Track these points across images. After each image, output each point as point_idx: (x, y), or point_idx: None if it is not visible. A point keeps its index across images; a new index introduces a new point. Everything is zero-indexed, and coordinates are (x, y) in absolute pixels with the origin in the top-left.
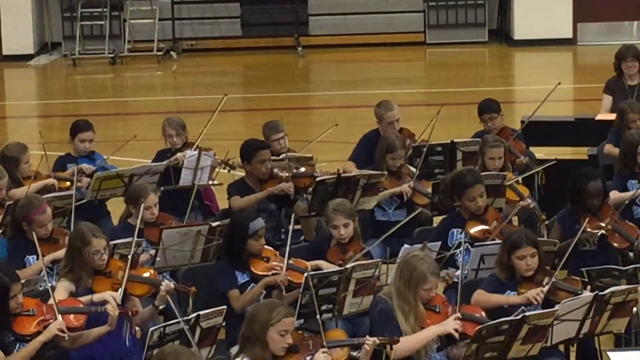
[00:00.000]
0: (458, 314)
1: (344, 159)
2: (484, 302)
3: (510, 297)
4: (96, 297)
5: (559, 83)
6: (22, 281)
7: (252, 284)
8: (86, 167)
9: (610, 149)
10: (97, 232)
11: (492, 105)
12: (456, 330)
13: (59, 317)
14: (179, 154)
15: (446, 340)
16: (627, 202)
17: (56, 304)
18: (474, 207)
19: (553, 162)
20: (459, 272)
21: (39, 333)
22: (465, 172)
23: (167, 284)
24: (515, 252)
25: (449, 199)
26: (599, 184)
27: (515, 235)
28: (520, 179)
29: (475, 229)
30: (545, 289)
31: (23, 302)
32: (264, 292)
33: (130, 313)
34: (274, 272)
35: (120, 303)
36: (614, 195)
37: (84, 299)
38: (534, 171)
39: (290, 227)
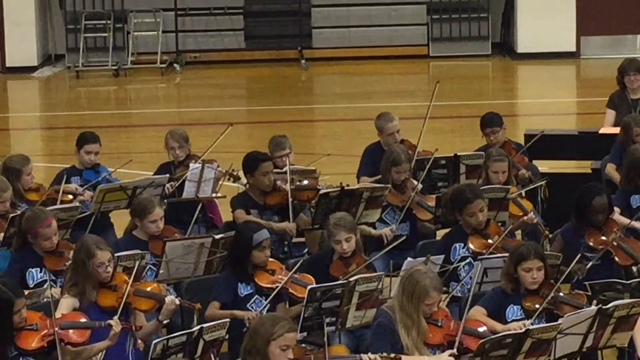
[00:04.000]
0: (453, 351)
1: (347, 171)
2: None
3: (496, 326)
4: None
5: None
6: (26, 293)
7: (255, 296)
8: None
9: (611, 170)
10: (101, 244)
11: (494, 119)
12: None
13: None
14: (181, 174)
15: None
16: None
17: (56, 321)
18: (474, 222)
19: (545, 180)
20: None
21: (42, 348)
22: (465, 188)
23: (172, 299)
24: (522, 264)
25: (451, 213)
26: (604, 199)
27: (522, 247)
28: (523, 192)
29: (476, 244)
30: (528, 322)
31: (27, 316)
32: (268, 305)
33: (133, 328)
34: (277, 284)
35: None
36: (619, 218)
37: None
38: (535, 185)
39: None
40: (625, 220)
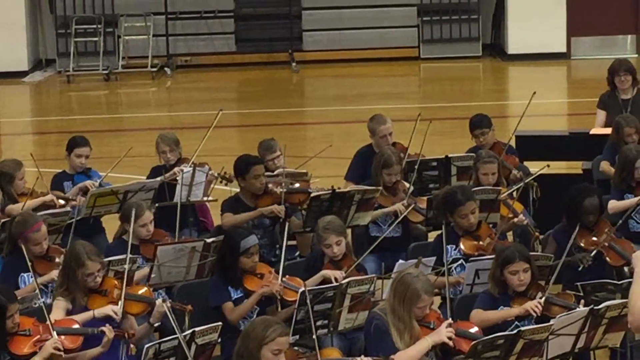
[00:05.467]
0: (450, 321)
1: (339, 174)
2: (484, 321)
3: (509, 311)
4: (97, 312)
5: (534, 93)
6: (18, 299)
7: (245, 300)
8: (90, 183)
9: (606, 167)
10: (92, 254)
11: (483, 121)
12: (449, 338)
13: (54, 334)
14: (176, 169)
15: (442, 355)
16: (626, 214)
17: (52, 325)
18: (466, 224)
19: (543, 169)
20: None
21: (34, 353)
22: (456, 190)
23: (163, 302)
24: (508, 267)
25: (442, 215)
26: (595, 200)
27: (508, 250)
28: (514, 192)
29: (468, 246)
30: (542, 300)
31: (20, 321)
32: (258, 308)
33: (126, 335)
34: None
35: (121, 316)
36: (612, 204)
37: (86, 315)
38: (523, 183)
39: (284, 243)
40: (624, 204)
